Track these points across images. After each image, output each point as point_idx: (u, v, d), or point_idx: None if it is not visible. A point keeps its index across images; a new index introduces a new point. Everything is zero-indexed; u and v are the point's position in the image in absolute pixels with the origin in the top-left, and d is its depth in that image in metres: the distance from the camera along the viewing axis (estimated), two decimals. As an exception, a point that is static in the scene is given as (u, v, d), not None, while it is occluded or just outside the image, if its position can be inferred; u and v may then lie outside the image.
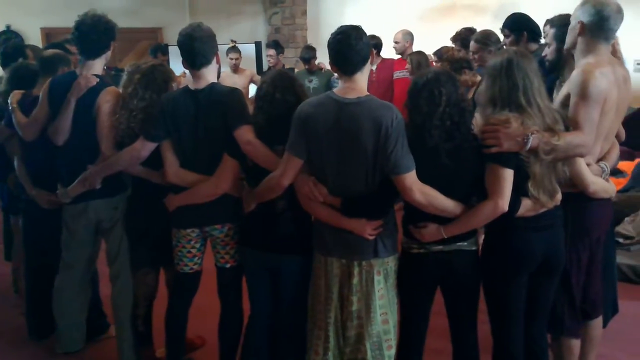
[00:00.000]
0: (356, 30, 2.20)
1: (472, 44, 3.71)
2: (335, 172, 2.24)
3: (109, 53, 2.94)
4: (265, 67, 7.32)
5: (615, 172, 5.69)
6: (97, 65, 2.92)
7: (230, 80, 5.90)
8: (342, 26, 2.24)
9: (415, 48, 5.74)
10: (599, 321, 2.69)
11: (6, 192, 3.68)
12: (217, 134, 2.50)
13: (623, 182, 5.28)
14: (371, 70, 5.90)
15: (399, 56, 5.84)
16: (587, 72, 2.28)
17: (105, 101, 2.80)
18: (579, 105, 2.26)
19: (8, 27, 7.77)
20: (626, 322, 3.42)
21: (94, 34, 2.81)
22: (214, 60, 2.59)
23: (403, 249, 2.37)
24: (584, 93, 2.25)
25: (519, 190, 2.18)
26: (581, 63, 2.37)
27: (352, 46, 2.17)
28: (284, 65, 6.48)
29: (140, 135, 2.65)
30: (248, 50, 7.60)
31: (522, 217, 2.22)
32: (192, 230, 2.65)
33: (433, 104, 2.15)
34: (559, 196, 2.28)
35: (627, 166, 5.60)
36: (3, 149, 3.50)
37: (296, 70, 6.51)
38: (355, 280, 2.27)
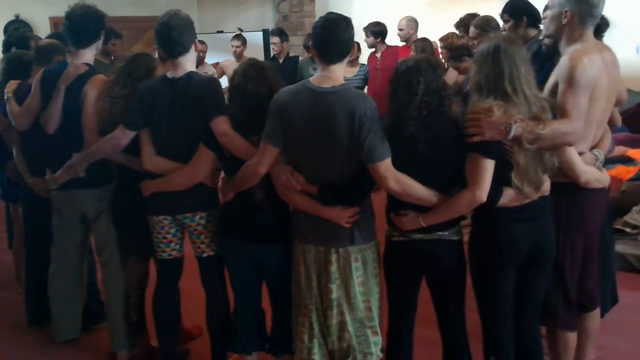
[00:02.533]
0: (345, 22, 2.19)
1: (471, 29, 3.65)
2: (311, 160, 2.24)
3: (99, 42, 2.96)
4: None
5: (626, 160, 5.57)
6: (88, 55, 2.93)
7: (233, 68, 5.84)
8: (331, 13, 2.23)
9: (423, 35, 5.65)
10: (596, 313, 2.64)
11: (5, 181, 3.71)
12: (193, 124, 2.49)
13: (634, 170, 5.15)
14: (376, 57, 5.88)
15: (404, 43, 5.75)
16: (574, 58, 2.21)
17: (91, 89, 2.81)
18: (567, 92, 2.20)
19: (17, 16, 7.80)
20: (631, 313, 3.36)
21: (83, 23, 2.83)
22: (192, 49, 2.57)
23: (386, 236, 2.36)
24: (571, 80, 2.19)
25: (502, 180, 2.13)
26: (568, 50, 2.30)
27: (339, 37, 2.17)
28: (289, 53, 6.41)
29: (121, 124, 2.64)
30: (256, 38, 7.51)
31: (507, 208, 2.17)
32: (165, 217, 2.65)
33: (410, 92, 2.12)
34: (546, 187, 2.22)
35: (638, 154, 5.48)
36: (1, 138, 3.54)
37: (301, 58, 6.44)
38: (333, 267, 2.27)
